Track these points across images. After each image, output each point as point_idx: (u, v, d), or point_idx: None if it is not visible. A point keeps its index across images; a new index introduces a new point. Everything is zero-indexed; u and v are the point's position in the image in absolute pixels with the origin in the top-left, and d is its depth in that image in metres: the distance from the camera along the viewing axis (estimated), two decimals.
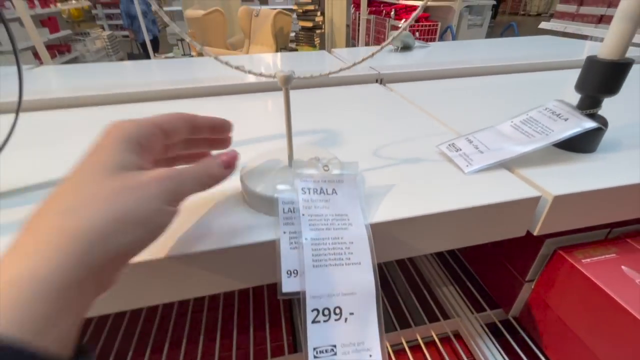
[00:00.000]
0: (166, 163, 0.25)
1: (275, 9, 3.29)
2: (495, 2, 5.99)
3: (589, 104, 0.34)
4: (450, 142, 0.36)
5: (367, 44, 6.47)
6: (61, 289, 0.14)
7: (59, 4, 5.24)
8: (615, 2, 2.25)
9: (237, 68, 0.27)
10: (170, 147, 0.23)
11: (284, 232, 0.25)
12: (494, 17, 11.32)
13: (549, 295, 0.37)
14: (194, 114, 0.24)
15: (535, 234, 0.32)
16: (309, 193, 0.26)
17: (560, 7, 2.63)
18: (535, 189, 0.30)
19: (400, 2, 5.42)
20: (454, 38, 3.34)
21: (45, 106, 0.55)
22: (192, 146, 0.25)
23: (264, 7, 3.53)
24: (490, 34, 5.77)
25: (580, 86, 0.34)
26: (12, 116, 0.31)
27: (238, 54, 3.47)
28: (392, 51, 0.98)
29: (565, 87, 0.60)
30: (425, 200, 0.29)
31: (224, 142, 0.27)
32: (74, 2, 6.15)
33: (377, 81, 0.66)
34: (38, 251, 0.14)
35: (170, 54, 3.57)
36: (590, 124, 0.32)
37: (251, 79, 0.64)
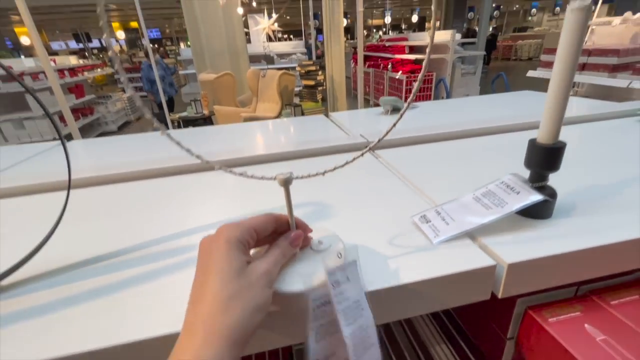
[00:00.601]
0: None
1: (280, 68, 3.59)
2: (485, 53, 6.41)
3: (537, 178, 0.40)
4: (422, 213, 0.42)
5: (366, 94, 6.86)
6: None
7: (85, 73, 5.78)
8: (594, 52, 2.42)
9: (240, 174, 0.32)
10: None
11: (312, 329, 0.26)
12: (487, 63, 11.98)
13: (527, 353, 0.40)
14: (280, 214, 0.31)
15: (499, 296, 0.36)
16: (337, 286, 0.27)
17: (544, 57, 2.82)
18: (492, 257, 0.35)
19: (396, 56, 5.84)
20: (447, 89, 3.55)
21: (78, 184, 0.63)
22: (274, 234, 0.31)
23: (270, 68, 3.86)
24: (483, 80, 6.08)
25: (527, 163, 0.40)
26: (52, 194, 0.39)
27: (247, 110, 3.73)
28: (383, 114, 1.08)
29: None
30: (401, 269, 0.34)
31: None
32: (99, 70, 6.77)
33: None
34: (202, 346, 0.21)
35: (184, 113, 3.85)
36: (537, 197, 0.38)
37: (260, 150, 0.73)
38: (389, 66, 5.66)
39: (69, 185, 0.43)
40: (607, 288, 0.41)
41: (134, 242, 0.43)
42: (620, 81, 2.25)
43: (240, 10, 4.13)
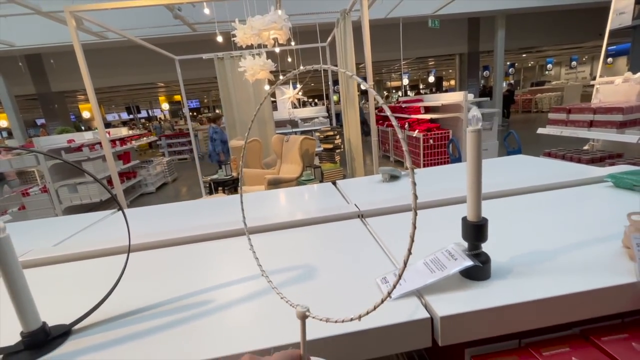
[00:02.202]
0: None
1: (304, 131, 3.95)
2: (497, 110, 6.63)
3: (472, 248, 0.52)
4: (384, 276, 0.54)
5: (386, 151, 7.15)
6: None
7: (133, 142, 6.53)
8: (599, 111, 2.52)
9: (269, 282, 0.48)
10: None
11: None
12: (507, 117, 12.16)
13: None
14: (295, 352, 0.32)
15: (440, 344, 0.45)
16: None
17: (552, 115, 2.94)
18: (429, 311, 0.46)
19: (413, 116, 6.17)
20: (458, 148, 3.69)
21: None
22: None
23: (294, 131, 4.24)
24: (502, 133, 6.19)
25: (463, 236, 0.52)
26: (105, 258, 0.55)
27: (272, 172, 4.03)
28: (381, 182, 1.23)
29: (520, 213, 0.77)
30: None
31: None
32: (144, 139, 7.62)
33: (358, 216, 0.87)
34: None
35: (215, 176, 4.22)
36: (469, 263, 0.49)
37: (284, 217, 0.89)
38: (406, 125, 5.97)
39: (129, 249, 0.59)
40: (545, 340, 0.49)
41: (190, 290, 0.58)
42: (629, 137, 2.30)
43: (267, 87, 4.70)
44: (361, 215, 0.88)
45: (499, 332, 0.47)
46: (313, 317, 0.33)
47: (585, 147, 3.07)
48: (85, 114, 16.57)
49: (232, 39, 3.15)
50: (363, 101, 13.61)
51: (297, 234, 0.82)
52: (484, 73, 14.81)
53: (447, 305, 0.46)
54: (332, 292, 0.54)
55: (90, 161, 5.10)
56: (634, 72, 2.64)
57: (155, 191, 6.65)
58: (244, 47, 3.23)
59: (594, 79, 3.01)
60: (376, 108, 3.42)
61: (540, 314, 0.47)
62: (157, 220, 1.09)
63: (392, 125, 6.75)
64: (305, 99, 18.68)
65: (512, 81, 16.75)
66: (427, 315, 0.45)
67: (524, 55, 16.66)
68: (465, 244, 0.53)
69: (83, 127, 10.83)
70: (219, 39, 3.53)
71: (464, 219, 0.52)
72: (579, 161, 2.59)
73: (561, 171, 1.10)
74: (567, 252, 0.57)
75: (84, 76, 2.58)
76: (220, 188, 4.11)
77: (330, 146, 3.78)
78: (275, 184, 3.40)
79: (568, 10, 9.58)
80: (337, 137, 3.85)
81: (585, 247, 0.58)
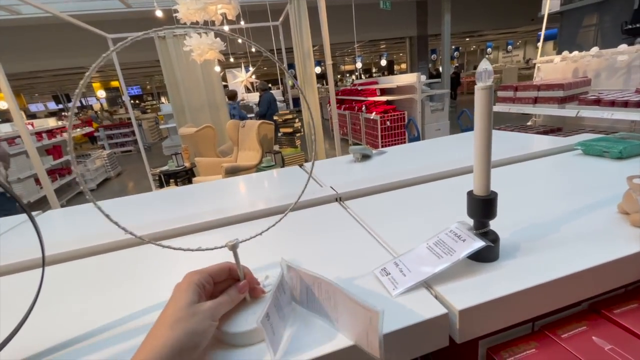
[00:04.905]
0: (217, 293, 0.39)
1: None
2: (449, 90, 6.94)
3: (479, 226, 0.45)
4: (383, 266, 0.45)
5: (344, 135, 7.14)
6: None
7: (64, 134, 5.78)
8: (543, 87, 2.67)
9: (187, 249, 0.38)
10: (218, 283, 0.39)
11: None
12: (454, 98, 12.84)
13: None
14: (232, 263, 0.40)
15: (458, 342, 0.38)
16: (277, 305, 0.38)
17: (501, 93, 3.09)
18: (445, 305, 0.38)
19: (369, 99, 6.20)
20: (417, 127, 3.77)
21: (55, 260, 0.64)
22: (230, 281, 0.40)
23: (249, 119, 4.01)
24: (453, 114, 6.50)
25: (469, 214, 0.46)
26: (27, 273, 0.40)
27: (229, 160, 3.80)
28: (354, 162, 1.15)
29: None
30: None
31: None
32: (78, 130, 6.80)
33: (336, 200, 0.79)
34: (153, 348, 0.30)
35: (165, 167, 3.87)
36: (480, 244, 0.42)
37: (251, 207, 0.76)
38: (363, 108, 5.98)
39: (43, 263, 0.44)
40: (558, 321, 0.45)
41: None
42: (569, 111, 2.48)
43: (217, 69, 4.37)
44: (339, 199, 0.79)
45: (516, 319, 0.41)
46: (242, 242, 0.40)
47: (529, 123, 3.28)
48: (2, 105, 14.34)
49: (174, 14, 2.82)
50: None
51: (268, 224, 0.70)
52: (432, 57, 15.38)
53: (462, 296, 0.39)
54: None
55: (12, 157, 4.40)
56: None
57: (96, 188, 6.00)
58: (187, 24, 2.92)
59: (527, 62, 3.20)
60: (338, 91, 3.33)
61: (557, 295, 0.42)
62: (90, 221, 0.90)
63: (349, 109, 6.74)
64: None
65: (457, 64, 17.64)
66: (443, 310, 0.38)
67: (467, 39, 17.57)
68: (470, 222, 0.47)
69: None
70: (159, 13, 3.15)
71: (470, 194, 0.45)
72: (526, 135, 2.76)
73: (529, 143, 1.10)
74: (565, 222, 0.53)
75: None
76: (172, 180, 3.79)
77: (290, 130, 3.63)
78: (233, 172, 3.20)
79: None
80: (297, 120, 3.71)
81: (580, 216, 0.55)
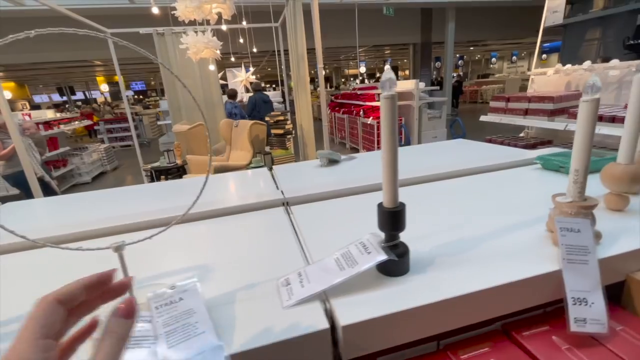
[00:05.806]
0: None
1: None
2: (446, 99, 6.93)
3: (389, 238, 0.44)
4: (287, 276, 0.44)
5: (342, 138, 7.14)
6: None
7: (61, 126, 5.81)
8: (533, 99, 2.66)
9: (66, 248, 0.35)
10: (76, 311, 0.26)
11: None
12: (456, 106, 12.83)
13: None
14: (90, 276, 0.27)
15: (342, 359, 0.37)
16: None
17: (493, 104, 3.07)
18: (334, 319, 0.37)
19: (367, 103, 6.20)
20: (407, 134, 3.77)
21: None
22: (94, 305, 0.27)
23: (242, 119, 4.02)
24: (450, 121, 6.48)
25: (379, 226, 0.44)
26: None
27: (220, 159, 3.80)
28: (319, 167, 1.14)
29: (458, 195, 0.72)
30: (250, 334, 0.35)
31: (119, 289, 0.28)
32: (76, 123, 6.83)
33: (283, 204, 0.77)
34: None
35: (157, 163, 3.87)
36: (382, 257, 0.41)
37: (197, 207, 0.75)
38: (361, 112, 5.98)
39: None
40: (463, 341, 0.43)
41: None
42: (558, 124, 2.46)
43: (212, 67, 4.38)
44: (286, 203, 0.78)
45: (416, 336, 0.40)
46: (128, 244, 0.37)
47: (521, 135, 3.26)
48: (7, 94, 14.46)
49: (172, 12, 2.84)
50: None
51: (202, 227, 0.69)
52: (436, 64, 15.39)
53: (354, 309, 0.38)
54: (227, 298, 0.43)
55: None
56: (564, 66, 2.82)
57: (91, 181, 6.01)
58: (186, 22, 2.93)
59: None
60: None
61: (462, 312, 0.41)
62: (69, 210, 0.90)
63: (348, 112, 6.74)
64: (264, 85, 18.09)
65: (460, 73, 17.65)
66: (325, 325, 0.36)
67: (471, 48, 17.58)
68: (382, 235, 0.45)
69: None
70: (155, 10, 3.16)
71: (380, 206, 0.44)
72: (515, 147, 2.74)
73: (496, 154, 1.09)
74: (491, 239, 0.52)
75: None
76: (162, 177, 3.78)
77: (281, 132, 3.62)
78: (223, 172, 3.19)
79: (511, 7, 10.21)
80: (288, 122, 3.70)
81: (511, 232, 0.54)
